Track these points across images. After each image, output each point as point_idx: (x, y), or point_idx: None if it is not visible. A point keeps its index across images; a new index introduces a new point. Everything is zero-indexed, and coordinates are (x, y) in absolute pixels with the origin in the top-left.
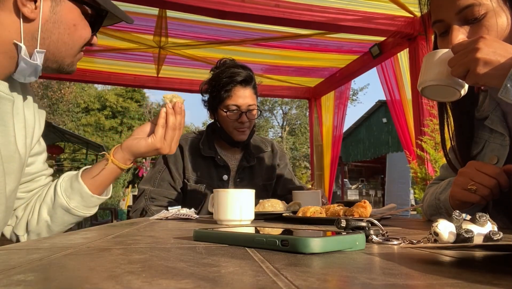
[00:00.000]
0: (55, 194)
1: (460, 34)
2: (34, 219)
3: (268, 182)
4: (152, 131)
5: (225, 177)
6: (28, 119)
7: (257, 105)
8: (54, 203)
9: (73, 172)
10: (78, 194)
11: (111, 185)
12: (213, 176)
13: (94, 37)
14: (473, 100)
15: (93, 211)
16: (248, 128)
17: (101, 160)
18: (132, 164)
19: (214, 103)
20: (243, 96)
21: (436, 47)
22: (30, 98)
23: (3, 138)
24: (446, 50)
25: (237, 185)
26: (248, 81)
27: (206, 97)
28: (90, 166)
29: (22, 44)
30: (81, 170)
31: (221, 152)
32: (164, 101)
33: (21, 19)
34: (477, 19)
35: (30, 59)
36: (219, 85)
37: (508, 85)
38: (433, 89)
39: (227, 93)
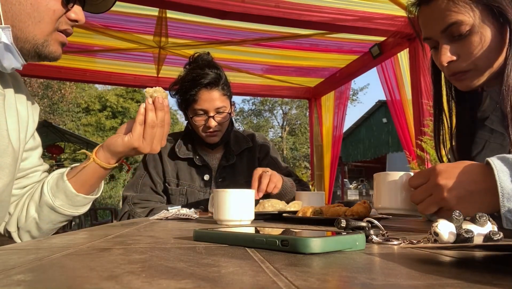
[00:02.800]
0: (42, 192)
1: (447, 53)
2: (23, 216)
3: (251, 178)
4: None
5: (206, 177)
6: (21, 113)
7: (232, 104)
8: (41, 200)
9: (62, 170)
10: (63, 192)
11: (102, 184)
12: (194, 177)
13: (77, 12)
14: (477, 99)
15: (82, 210)
16: (220, 131)
17: (85, 158)
18: (117, 163)
19: (183, 106)
20: (209, 100)
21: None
22: (23, 93)
23: None
24: (398, 176)
25: (219, 185)
26: (213, 83)
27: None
28: (78, 164)
29: None
30: (68, 168)
31: (202, 152)
32: (145, 96)
33: None
34: (462, 36)
35: None
36: (183, 89)
37: (508, 216)
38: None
39: (192, 97)
